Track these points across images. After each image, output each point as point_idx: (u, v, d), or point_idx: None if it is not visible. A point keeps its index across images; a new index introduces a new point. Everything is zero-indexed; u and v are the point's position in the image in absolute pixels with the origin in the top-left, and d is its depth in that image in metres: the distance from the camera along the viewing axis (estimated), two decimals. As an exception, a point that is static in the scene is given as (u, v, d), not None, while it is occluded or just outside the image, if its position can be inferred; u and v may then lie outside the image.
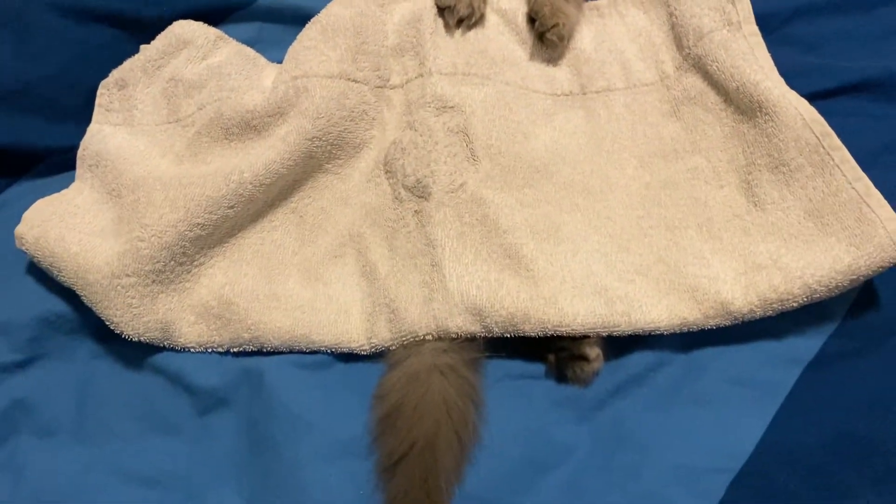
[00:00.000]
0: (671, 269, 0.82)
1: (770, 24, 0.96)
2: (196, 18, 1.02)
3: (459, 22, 0.95)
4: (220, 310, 0.83)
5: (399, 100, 0.94)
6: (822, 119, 0.82)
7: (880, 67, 0.93)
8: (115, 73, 0.98)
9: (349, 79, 0.91)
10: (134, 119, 0.96)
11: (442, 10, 0.95)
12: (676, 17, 0.95)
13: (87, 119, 0.97)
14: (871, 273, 0.75)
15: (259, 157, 0.86)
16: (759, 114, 0.85)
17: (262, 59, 1.00)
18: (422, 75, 0.93)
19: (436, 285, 0.81)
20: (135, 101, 0.97)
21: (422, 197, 0.86)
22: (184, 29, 1.00)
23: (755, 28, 0.91)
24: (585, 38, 0.98)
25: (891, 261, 0.75)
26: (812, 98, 0.88)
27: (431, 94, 0.91)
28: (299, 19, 1.03)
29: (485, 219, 0.84)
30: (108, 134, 0.94)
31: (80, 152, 0.94)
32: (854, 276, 0.75)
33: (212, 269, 0.86)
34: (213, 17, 1.04)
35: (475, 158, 0.88)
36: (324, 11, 0.95)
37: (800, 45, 0.98)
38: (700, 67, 0.92)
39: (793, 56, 0.95)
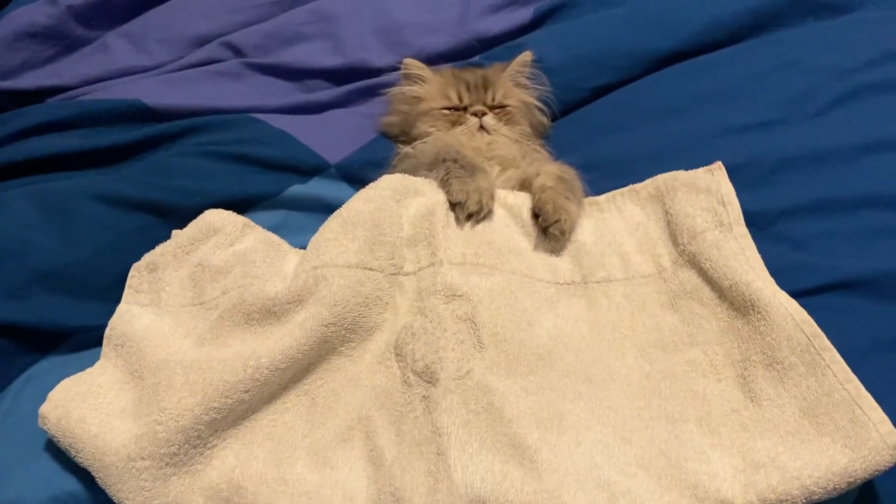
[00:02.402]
0: (672, 463, 0.82)
1: (759, 223, 1.02)
2: (226, 206, 1.10)
3: (469, 216, 1.02)
4: (230, 493, 0.84)
5: (412, 286, 0.99)
6: (811, 320, 0.86)
7: (865, 266, 0.96)
8: (147, 257, 1.04)
9: (366, 267, 0.96)
10: (161, 300, 1.01)
11: (454, 206, 1.03)
12: (671, 215, 1.02)
13: (115, 299, 1.01)
14: (867, 476, 0.76)
15: (277, 343, 0.89)
16: (751, 312, 0.89)
17: (285, 245, 1.07)
18: (433, 264, 0.98)
19: (441, 475, 0.81)
20: (163, 284, 1.02)
21: (430, 382, 0.89)
22: (214, 217, 1.07)
23: (745, 230, 0.97)
24: (586, 230, 1.05)
25: (886, 464, 0.75)
26: (801, 294, 0.92)
27: (442, 282, 0.96)
28: (320, 208, 1.12)
29: (490, 407, 0.86)
30: (135, 314, 0.99)
31: (107, 331, 0.98)
32: (851, 479, 0.76)
33: (224, 451, 0.87)
34: (243, 205, 1.12)
35: (482, 346, 0.91)
36: (345, 206, 1.02)
37: (788, 243, 1.02)
38: (695, 264, 0.96)
39: (782, 254, 0.99)
